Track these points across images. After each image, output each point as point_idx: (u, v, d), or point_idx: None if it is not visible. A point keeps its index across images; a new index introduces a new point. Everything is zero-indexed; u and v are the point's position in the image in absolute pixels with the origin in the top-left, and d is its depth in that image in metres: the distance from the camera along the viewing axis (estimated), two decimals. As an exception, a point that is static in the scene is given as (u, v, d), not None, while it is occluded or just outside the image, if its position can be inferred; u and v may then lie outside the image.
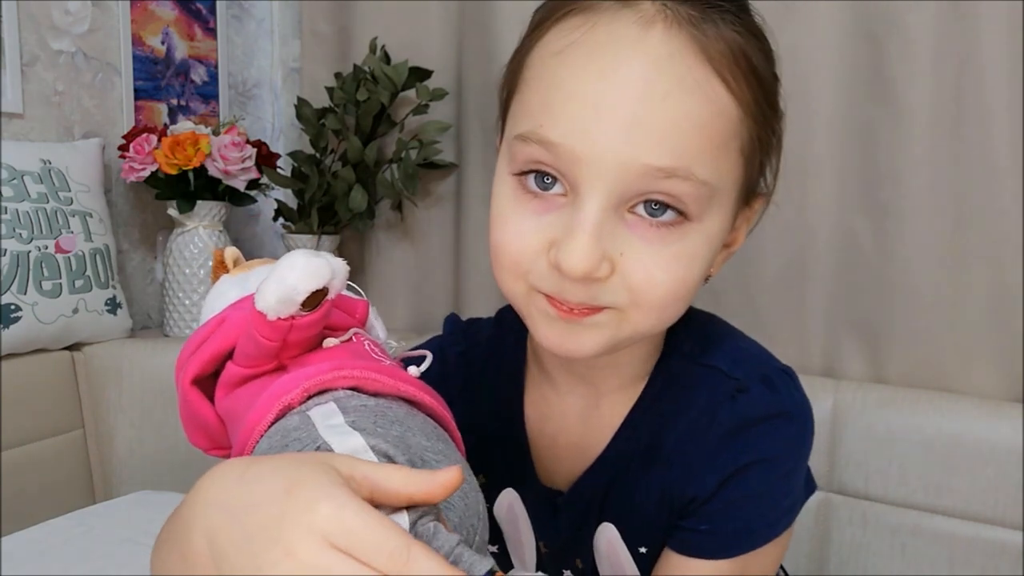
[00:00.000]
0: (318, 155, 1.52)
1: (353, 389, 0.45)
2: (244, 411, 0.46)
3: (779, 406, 0.57)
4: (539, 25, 0.52)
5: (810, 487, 0.62)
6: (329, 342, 0.48)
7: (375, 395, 0.46)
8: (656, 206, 0.48)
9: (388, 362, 0.49)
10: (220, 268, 0.55)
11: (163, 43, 1.58)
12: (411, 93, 1.45)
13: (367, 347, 0.50)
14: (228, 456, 0.50)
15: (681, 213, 0.49)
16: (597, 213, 0.48)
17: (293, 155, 1.52)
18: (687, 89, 0.47)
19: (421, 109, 1.45)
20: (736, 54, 0.48)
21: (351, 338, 0.49)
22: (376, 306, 0.57)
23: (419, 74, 1.44)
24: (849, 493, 1.10)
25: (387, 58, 1.47)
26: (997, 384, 1.10)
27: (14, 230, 1.21)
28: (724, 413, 0.57)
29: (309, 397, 0.44)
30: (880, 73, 1.12)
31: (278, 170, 1.50)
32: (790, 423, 0.57)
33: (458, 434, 0.49)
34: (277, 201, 1.54)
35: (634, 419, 0.60)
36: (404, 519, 0.37)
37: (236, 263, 0.56)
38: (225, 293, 0.52)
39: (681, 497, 0.59)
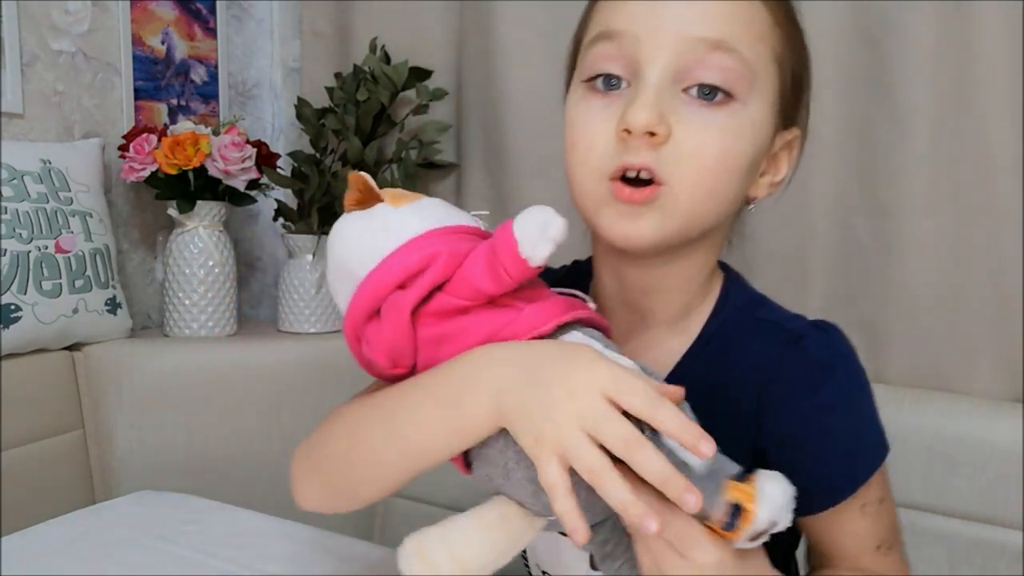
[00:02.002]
0: (318, 155, 1.52)
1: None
2: (468, 335, 0.54)
3: (837, 347, 0.62)
4: None
5: (886, 445, 0.66)
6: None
7: (587, 324, 0.57)
8: (707, 91, 0.56)
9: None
10: (371, 196, 0.58)
11: (163, 43, 1.58)
12: (411, 93, 1.46)
13: (542, 287, 0.59)
14: (404, 375, 0.58)
15: (728, 93, 0.56)
16: (656, 81, 0.55)
17: (293, 155, 1.52)
18: None
19: (421, 109, 1.45)
20: None
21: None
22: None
23: (419, 74, 1.44)
24: (849, 493, 1.10)
25: (387, 58, 1.47)
26: (997, 384, 1.10)
27: (14, 230, 1.21)
28: (792, 358, 0.61)
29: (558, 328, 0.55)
30: (880, 73, 1.12)
31: (278, 170, 1.50)
32: (849, 361, 0.62)
33: None
34: (277, 201, 1.54)
35: (693, 355, 0.64)
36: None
37: (383, 192, 0.59)
38: (405, 222, 0.56)
39: (748, 447, 0.61)
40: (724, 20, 0.56)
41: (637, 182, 0.56)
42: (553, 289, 0.60)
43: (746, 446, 0.61)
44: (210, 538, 0.90)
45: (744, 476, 0.49)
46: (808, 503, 0.60)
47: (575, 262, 0.77)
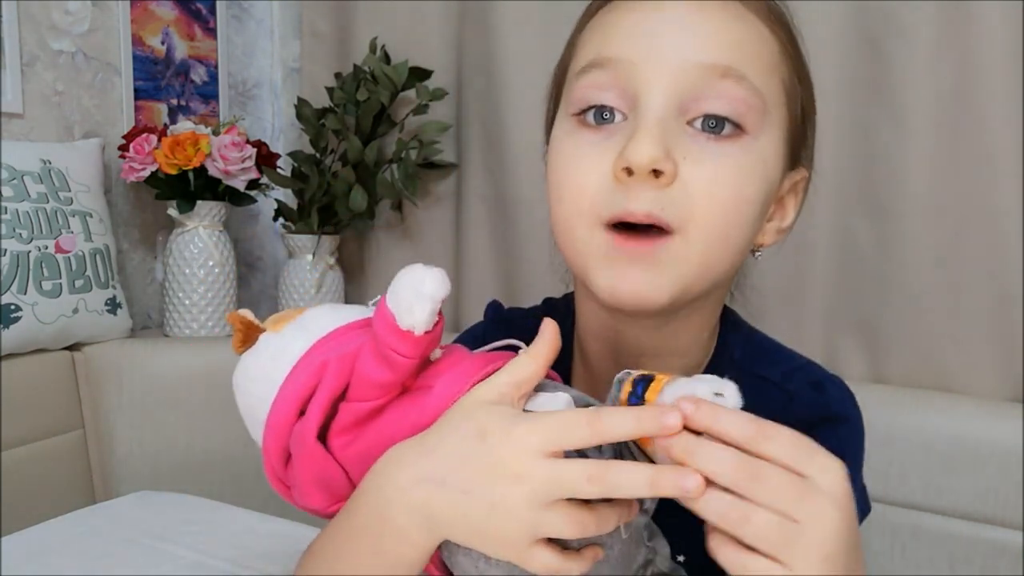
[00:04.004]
0: (318, 155, 1.52)
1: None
2: (388, 438, 0.47)
3: (827, 410, 0.56)
4: (584, 16, 0.57)
5: (864, 507, 0.57)
6: (435, 354, 0.49)
7: None
8: (714, 123, 0.49)
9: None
10: (253, 330, 0.53)
11: (163, 43, 1.58)
12: (411, 93, 1.46)
13: (461, 351, 0.51)
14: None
15: (738, 126, 0.49)
16: (659, 112, 0.49)
17: (293, 155, 1.52)
18: (731, 15, 0.51)
19: (421, 109, 1.45)
20: (769, 6, 0.53)
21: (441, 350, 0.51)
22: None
23: (419, 74, 1.44)
24: (849, 493, 1.10)
25: (387, 58, 1.47)
26: (997, 384, 1.09)
27: (14, 230, 1.21)
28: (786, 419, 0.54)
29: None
30: (880, 73, 1.12)
31: (278, 170, 1.50)
32: (840, 425, 0.57)
33: None
34: (277, 201, 1.54)
35: None
36: (562, 398, 0.46)
37: (264, 322, 0.54)
38: (289, 344, 0.50)
39: None
40: (732, 46, 0.49)
41: (639, 229, 0.49)
42: (486, 347, 0.52)
43: None
44: (210, 538, 0.90)
45: None
46: None
47: (547, 301, 0.69)
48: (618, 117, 0.51)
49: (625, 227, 0.50)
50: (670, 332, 0.56)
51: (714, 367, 0.59)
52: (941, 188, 1.09)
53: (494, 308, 0.69)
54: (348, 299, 1.60)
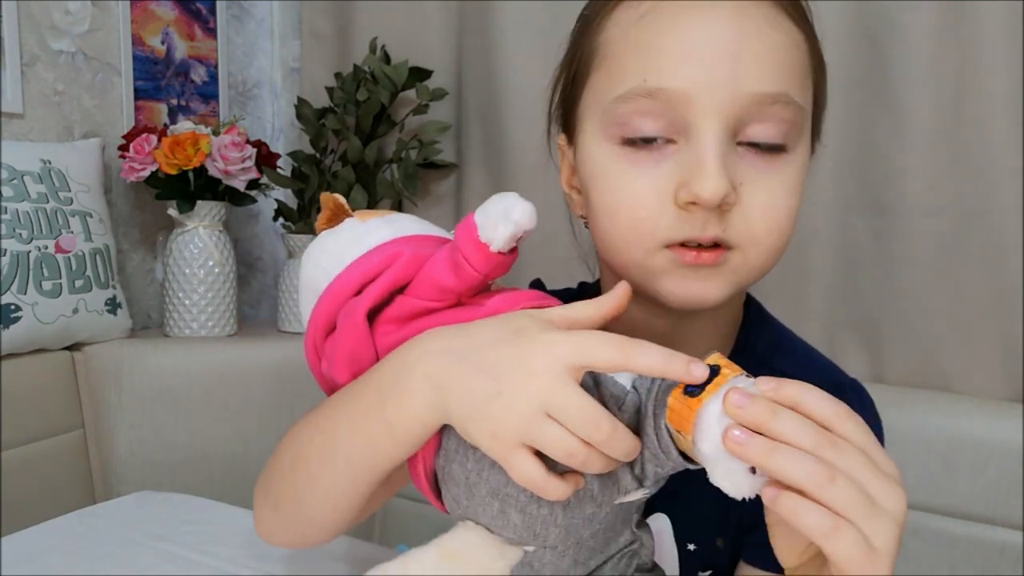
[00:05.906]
0: (318, 155, 1.52)
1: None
2: None
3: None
4: (601, 9, 0.55)
5: None
6: (495, 283, 0.53)
7: None
8: (760, 142, 0.52)
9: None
10: (341, 212, 0.56)
11: (163, 43, 1.58)
12: (411, 93, 1.46)
13: (519, 288, 0.54)
14: None
15: (783, 147, 0.52)
16: (718, 143, 0.50)
17: (293, 155, 1.52)
18: (771, 25, 0.51)
19: (421, 109, 1.45)
20: None
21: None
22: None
23: (419, 74, 1.44)
24: (849, 493, 1.10)
25: (387, 58, 1.47)
26: (997, 384, 1.10)
27: (14, 230, 1.21)
28: None
29: None
30: (880, 74, 1.12)
31: (278, 170, 1.51)
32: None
33: None
34: (277, 201, 1.54)
35: None
36: (626, 375, 0.46)
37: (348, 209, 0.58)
38: (371, 232, 0.53)
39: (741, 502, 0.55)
40: (781, 68, 0.51)
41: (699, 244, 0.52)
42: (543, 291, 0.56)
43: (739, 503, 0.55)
44: (210, 538, 0.90)
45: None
46: (761, 559, 0.57)
47: (582, 284, 0.71)
48: (660, 140, 0.52)
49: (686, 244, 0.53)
50: (699, 324, 0.58)
51: (737, 358, 0.59)
52: (941, 188, 1.09)
53: (538, 287, 0.72)
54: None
